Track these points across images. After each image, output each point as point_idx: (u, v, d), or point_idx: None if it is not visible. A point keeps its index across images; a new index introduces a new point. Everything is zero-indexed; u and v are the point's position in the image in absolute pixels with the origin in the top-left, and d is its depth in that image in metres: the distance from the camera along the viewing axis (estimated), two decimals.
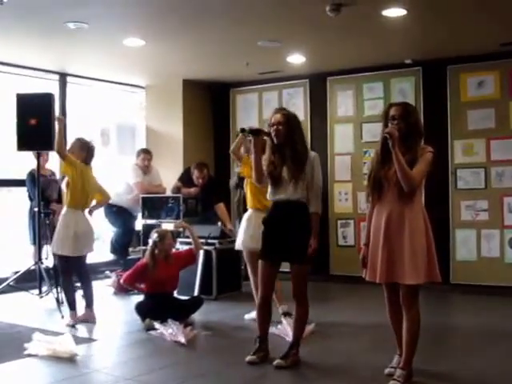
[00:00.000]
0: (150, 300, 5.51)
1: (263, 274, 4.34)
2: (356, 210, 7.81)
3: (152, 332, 5.15)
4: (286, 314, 5.31)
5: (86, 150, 5.66)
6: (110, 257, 7.89)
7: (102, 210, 7.63)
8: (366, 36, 6.23)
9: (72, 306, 5.53)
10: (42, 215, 6.44)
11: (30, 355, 4.48)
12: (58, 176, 7.22)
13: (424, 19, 5.68)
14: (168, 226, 6.77)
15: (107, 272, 7.64)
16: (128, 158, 8.37)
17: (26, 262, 6.68)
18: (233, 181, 6.81)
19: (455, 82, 7.22)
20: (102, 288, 7.08)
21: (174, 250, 5.92)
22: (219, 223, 6.95)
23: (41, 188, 6.49)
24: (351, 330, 5.41)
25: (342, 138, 7.94)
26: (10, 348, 4.70)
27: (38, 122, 6.22)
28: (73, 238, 5.43)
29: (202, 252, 6.36)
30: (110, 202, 7.67)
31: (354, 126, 7.86)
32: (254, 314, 5.60)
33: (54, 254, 5.67)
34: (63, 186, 5.61)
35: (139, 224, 7.65)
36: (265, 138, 4.31)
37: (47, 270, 6.40)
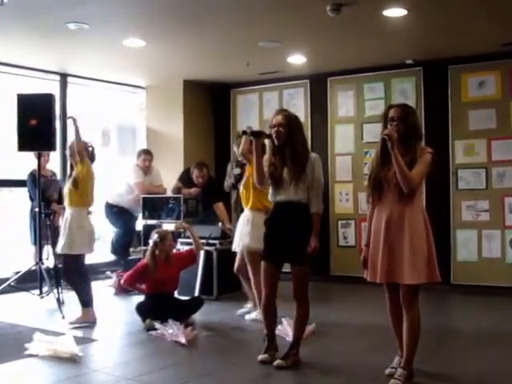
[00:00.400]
0: (150, 300, 5.51)
1: (266, 275, 4.35)
2: (357, 210, 7.81)
3: (152, 332, 5.14)
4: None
5: (88, 151, 5.67)
6: (111, 257, 7.90)
7: (103, 210, 7.66)
8: (367, 36, 6.23)
9: (91, 303, 5.55)
10: (43, 215, 6.44)
11: (30, 355, 4.49)
12: (58, 176, 7.22)
13: (425, 19, 5.68)
14: (168, 226, 6.77)
15: (108, 272, 7.65)
16: (128, 159, 8.38)
17: (27, 263, 6.67)
18: (228, 182, 6.80)
19: (456, 82, 7.21)
20: (103, 288, 7.08)
21: (174, 251, 5.92)
22: (219, 224, 6.95)
23: (41, 188, 6.49)
24: (352, 330, 5.41)
25: (342, 139, 7.94)
26: (10, 348, 4.70)
27: (38, 123, 6.23)
28: (89, 236, 5.55)
29: (202, 252, 6.36)
30: (111, 202, 7.73)
31: (355, 126, 7.85)
32: (254, 315, 5.65)
33: (68, 255, 5.53)
34: (69, 186, 5.51)
35: (140, 224, 7.65)
36: (266, 139, 4.33)
37: (48, 270, 6.40)
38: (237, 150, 5.73)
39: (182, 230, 6.52)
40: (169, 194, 7.57)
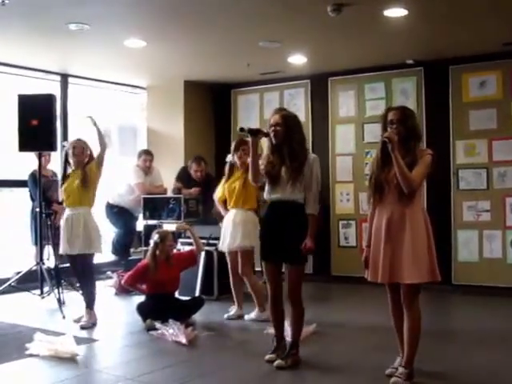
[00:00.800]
0: (151, 300, 5.51)
1: (268, 274, 4.38)
2: (357, 210, 7.80)
3: (153, 332, 5.14)
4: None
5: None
6: (112, 257, 7.90)
7: (104, 210, 7.66)
8: (368, 36, 6.23)
9: (95, 304, 5.58)
10: (44, 216, 6.45)
11: (31, 355, 4.49)
12: (59, 176, 7.22)
13: (425, 19, 5.67)
14: (169, 226, 6.76)
15: (108, 273, 7.64)
16: (129, 159, 8.38)
17: (28, 263, 6.68)
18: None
19: (457, 82, 7.20)
20: (104, 289, 7.08)
21: (175, 251, 5.92)
22: (220, 224, 6.92)
23: (42, 188, 6.50)
24: (352, 330, 5.40)
25: (343, 139, 7.93)
26: (11, 348, 4.70)
27: (39, 123, 6.25)
28: (100, 235, 5.64)
29: (203, 253, 6.35)
30: (112, 202, 7.73)
31: (356, 126, 7.85)
32: (253, 315, 5.66)
33: (85, 255, 5.52)
34: (78, 185, 5.46)
35: (140, 225, 7.65)
36: (264, 138, 4.34)
37: (49, 270, 6.41)
38: (232, 156, 5.76)
39: (182, 230, 6.52)
40: (169, 194, 7.57)
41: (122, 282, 5.85)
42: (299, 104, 8.20)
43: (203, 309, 5.66)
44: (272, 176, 4.26)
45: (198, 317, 5.60)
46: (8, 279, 6.53)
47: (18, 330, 5.33)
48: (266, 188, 4.33)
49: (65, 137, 7.77)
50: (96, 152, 5.64)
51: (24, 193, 7.16)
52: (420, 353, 3.92)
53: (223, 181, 5.86)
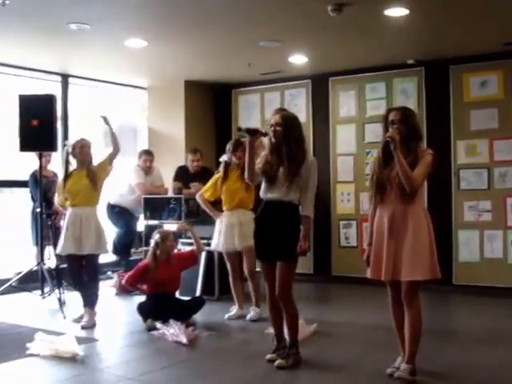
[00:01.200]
0: (151, 300, 5.51)
1: (264, 273, 4.41)
2: (358, 210, 7.80)
3: (154, 332, 5.15)
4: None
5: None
6: (112, 257, 7.89)
7: (105, 210, 7.65)
8: (368, 36, 6.23)
9: (96, 304, 5.61)
10: (44, 216, 6.45)
11: (32, 355, 4.50)
12: (60, 177, 7.20)
13: (426, 19, 5.67)
14: (170, 226, 6.76)
15: (109, 273, 7.65)
16: (130, 159, 8.37)
17: (29, 263, 6.68)
18: None
19: (458, 82, 7.20)
20: (105, 289, 7.08)
21: (175, 251, 5.92)
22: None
23: (43, 189, 6.50)
24: (353, 330, 5.40)
25: (344, 139, 7.93)
26: (12, 348, 4.70)
27: (40, 123, 6.26)
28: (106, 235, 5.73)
29: (203, 253, 6.35)
30: (113, 202, 7.73)
31: (357, 126, 7.84)
32: (252, 314, 5.66)
33: (94, 255, 5.57)
34: (88, 185, 5.50)
35: (141, 225, 7.65)
36: (263, 137, 4.36)
37: (49, 270, 6.41)
38: (228, 155, 5.77)
39: (183, 231, 6.52)
40: (170, 194, 7.57)
41: (123, 281, 5.86)
42: (300, 104, 8.20)
43: (204, 309, 5.66)
44: (269, 176, 4.27)
45: (198, 317, 5.60)
46: (9, 279, 6.53)
47: (18, 329, 5.33)
48: (262, 187, 4.35)
49: (65, 137, 7.77)
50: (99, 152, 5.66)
51: (25, 193, 7.16)
52: (421, 352, 3.93)
53: (218, 181, 5.82)
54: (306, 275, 7.81)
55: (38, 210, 6.49)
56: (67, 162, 5.62)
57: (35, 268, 6.51)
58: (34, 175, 6.89)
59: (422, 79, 7.42)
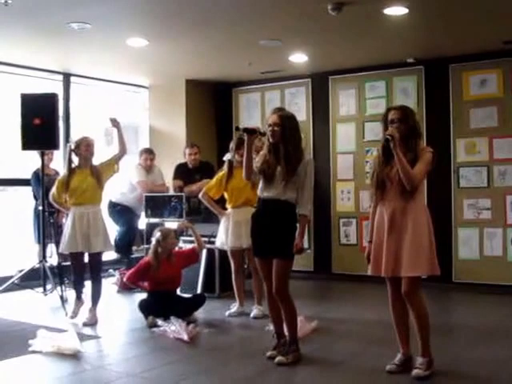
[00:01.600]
0: (153, 298, 5.55)
1: (261, 270, 4.46)
2: (358, 208, 7.83)
3: (155, 329, 5.19)
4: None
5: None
6: (114, 255, 7.92)
7: (106, 209, 7.69)
8: (368, 35, 6.25)
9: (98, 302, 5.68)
10: (47, 214, 6.48)
11: (34, 352, 4.53)
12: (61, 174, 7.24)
13: (426, 17, 5.70)
14: (171, 224, 6.80)
15: (111, 270, 7.70)
16: (131, 158, 8.40)
17: (31, 261, 6.72)
18: None
19: (457, 80, 7.22)
20: (106, 286, 7.11)
21: (176, 249, 5.95)
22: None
23: (45, 187, 6.52)
24: (353, 327, 5.43)
25: (344, 137, 7.95)
26: (15, 344, 4.74)
27: (42, 122, 6.29)
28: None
29: (204, 250, 6.39)
30: (114, 200, 7.76)
31: (357, 124, 7.87)
32: (256, 312, 5.69)
33: (100, 253, 5.63)
34: (93, 183, 5.55)
35: (142, 223, 7.68)
36: (260, 137, 4.41)
37: (51, 268, 6.45)
38: (232, 153, 5.81)
39: (184, 228, 6.56)
40: (171, 192, 7.59)
41: (124, 279, 5.89)
42: (300, 103, 8.23)
43: (205, 306, 5.70)
44: (266, 175, 4.31)
45: (199, 314, 5.64)
46: (11, 277, 6.57)
47: (21, 326, 5.37)
48: (260, 185, 4.39)
49: (67, 136, 7.81)
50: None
51: (27, 191, 7.19)
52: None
53: (222, 179, 5.84)
54: (306, 272, 7.85)
55: (40, 208, 6.53)
56: (70, 160, 5.63)
57: (37, 266, 6.54)
58: (36, 173, 6.92)
59: (421, 78, 7.44)
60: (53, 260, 6.57)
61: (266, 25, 5.94)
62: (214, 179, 5.97)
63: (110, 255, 7.81)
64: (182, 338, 4.87)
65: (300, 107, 8.11)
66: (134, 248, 7.80)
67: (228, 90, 8.87)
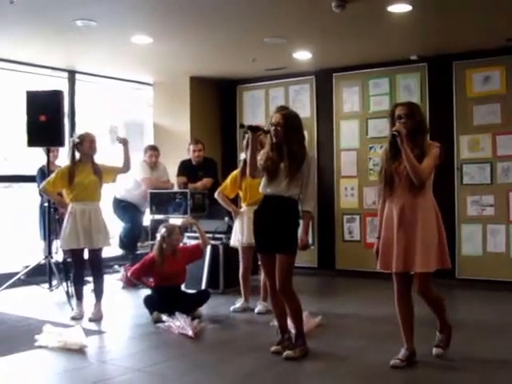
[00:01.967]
0: (157, 293, 5.58)
1: (263, 265, 4.50)
2: (362, 205, 7.85)
3: (160, 325, 5.22)
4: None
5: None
6: (119, 251, 7.97)
7: (111, 205, 7.73)
8: (372, 32, 6.26)
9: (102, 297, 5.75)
10: (52, 210, 6.52)
11: (40, 347, 4.57)
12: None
13: (429, 15, 5.71)
14: (176, 221, 6.83)
15: (116, 266, 7.74)
16: (136, 155, 8.43)
17: (37, 257, 6.76)
18: None
19: (461, 77, 7.22)
20: (111, 282, 7.17)
21: (181, 245, 5.99)
22: (226, 218, 6.99)
23: None
24: (357, 322, 5.47)
25: (347, 134, 7.98)
26: (21, 340, 4.78)
27: (47, 119, 6.33)
28: None
29: (209, 246, 6.42)
30: (119, 197, 7.79)
31: (360, 121, 7.89)
32: (260, 308, 5.73)
33: (101, 249, 5.68)
34: (96, 181, 5.60)
35: (147, 219, 7.72)
36: (263, 134, 4.44)
37: (57, 264, 6.49)
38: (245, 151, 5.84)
39: (188, 225, 6.59)
40: (176, 189, 7.63)
41: (129, 274, 5.92)
42: (304, 100, 8.25)
43: (209, 302, 5.73)
44: (270, 172, 4.33)
45: (204, 310, 5.67)
46: (17, 273, 6.62)
47: (27, 322, 5.41)
48: (263, 182, 4.42)
49: (72, 132, 7.83)
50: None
51: (33, 188, 7.23)
52: (426, 344, 4.07)
53: (237, 178, 5.84)
54: (310, 269, 7.88)
55: (46, 204, 6.57)
56: (73, 154, 5.64)
57: (43, 262, 6.59)
58: (41, 170, 6.95)
59: (425, 75, 7.46)
60: (58, 256, 6.61)
61: (270, 22, 5.96)
62: (229, 179, 5.99)
63: (115, 251, 7.88)
64: (187, 333, 4.90)
65: (304, 104, 8.14)
66: (139, 244, 7.84)
67: (232, 87, 8.89)
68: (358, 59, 7.56)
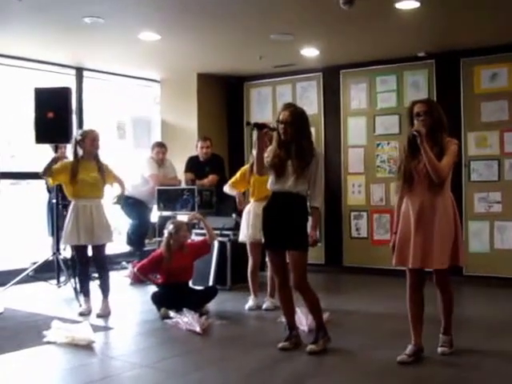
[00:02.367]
0: (165, 290, 5.60)
1: (272, 262, 4.51)
2: (369, 202, 7.85)
3: (167, 321, 5.24)
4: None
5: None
6: (127, 248, 7.99)
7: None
8: (379, 29, 6.25)
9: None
10: (60, 207, 6.55)
11: (48, 342, 4.60)
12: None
13: (437, 11, 5.69)
14: (183, 217, 6.85)
15: (123, 263, 7.77)
16: (144, 151, 8.46)
17: (45, 253, 6.80)
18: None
19: (468, 74, 7.20)
20: (119, 279, 7.20)
21: (188, 241, 6.00)
22: (233, 215, 7.00)
23: None
24: (364, 319, 5.47)
25: (355, 131, 7.96)
26: (29, 335, 4.81)
27: (55, 116, 6.34)
28: None
29: (216, 243, 6.43)
30: (127, 194, 7.80)
31: (367, 118, 7.88)
32: (268, 304, 5.73)
33: (104, 244, 5.70)
34: (99, 178, 5.63)
35: (155, 216, 7.74)
36: (270, 132, 4.44)
37: (65, 260, 6.52)
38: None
39: (195, 221, 6.60)
40: (183, 185, 7.64)
41: (136, 269, 5.93)
42: (311, 97, 8.24)
43: (217, 298, 5.74)
44: (277, 169, 4.34)
45: (211, 306, 5.68)
46: (25, 269, 6.66)
47: (35, 318, 5.44)
48: (270, 179, 4.42)
49: (80, 129, 7.86)
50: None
51: (41, 185, 7.26)
52: (433, 341, 4.07)
53: (246, 173, 5.85)
54: (317, 265, 7.87)
55: (54, 201, 6.60)
56: (76, 151, 5.66)
57: (51, 258, 6.63)
58: None
59: (432, 72, 7.43)
60: (66, 252, 6.63)
61: (277, 19, 5.96)
62: (238, 174, 6.00)
63: (122, 248, 7.91)
64: (195, 329, 4.91)
65: (311, 101, 8.13)
66: (147, 241, 7.87)
67: (239, 83, 8.89)
68: (366, 56, 7.54)
